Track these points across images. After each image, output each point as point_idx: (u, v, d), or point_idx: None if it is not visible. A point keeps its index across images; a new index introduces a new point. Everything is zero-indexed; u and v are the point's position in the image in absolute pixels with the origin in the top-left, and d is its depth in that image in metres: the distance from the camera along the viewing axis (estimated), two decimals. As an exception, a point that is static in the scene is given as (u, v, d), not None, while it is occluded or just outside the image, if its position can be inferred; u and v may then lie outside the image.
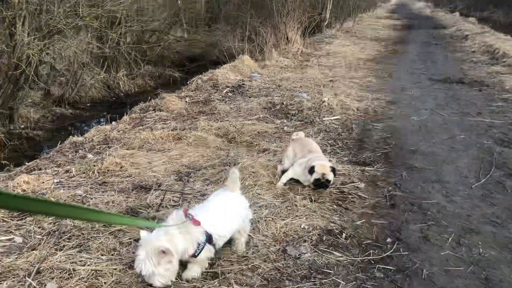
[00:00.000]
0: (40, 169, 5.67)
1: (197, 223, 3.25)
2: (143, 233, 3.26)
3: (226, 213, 3.54)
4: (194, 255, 3.24)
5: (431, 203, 4.75)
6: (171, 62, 16.21)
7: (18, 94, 9.36)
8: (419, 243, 4.03)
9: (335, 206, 4.63)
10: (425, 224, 4.34)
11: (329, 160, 5.67)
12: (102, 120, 10.47)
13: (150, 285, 3.17)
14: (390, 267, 3.69)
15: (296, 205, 4.55)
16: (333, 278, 3.51)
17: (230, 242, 3.74)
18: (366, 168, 5.66)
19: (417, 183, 5.25)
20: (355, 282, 3.48)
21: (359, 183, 5.19)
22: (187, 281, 3.36)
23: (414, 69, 12.64)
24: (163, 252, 3.05)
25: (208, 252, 3.33)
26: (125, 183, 5.11)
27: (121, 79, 13.37)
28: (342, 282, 3.46)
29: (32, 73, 8.96)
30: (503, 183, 5.22)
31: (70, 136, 7.07)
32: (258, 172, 5.27)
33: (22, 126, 9.68)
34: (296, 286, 3.40)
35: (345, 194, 4.89)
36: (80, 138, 6.99)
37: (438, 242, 4.04)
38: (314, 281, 3.46)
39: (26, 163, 6.01)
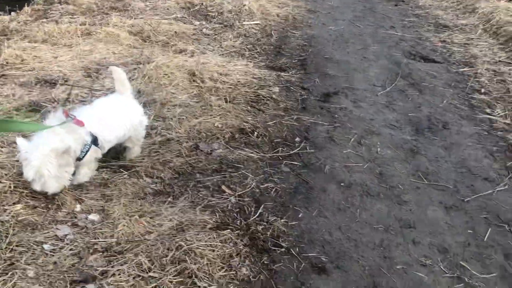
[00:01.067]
0: None
1: (81, 123, 2.97)
2: (20, 140, 2.86)
3: (113, 116, 3.26)
4: (79, 158, 2.99)
5: (339, 107, 4.99)
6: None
7: None
8: (325, 143, 4.28)
9: (249, 107, 4.70)
10: (332, 126, 4.58)
11: (246, 65, 5.66)
12: (-1, 11, 9.34)
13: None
14: (297, 163, 3.91)
15: (211, 105, 4.55)
16: (243, 171, 3.65)
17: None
18: (282, 73, 5.74)
19: (328, 89, 5.44)
20: (262, 176, 3.66)
21: (274, 87, 5.27)
22: (79, 185, 3.14)
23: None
24: (63, 152, 2.80)
25: (94, 153, 3.11)
26: (27, 77, 4.73)
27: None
28: (250, 175, 3.62)
29: None
30: (405, 92, 5.58)
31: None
32: (174, 73, 5.12)
33: None
34: (206, 178, 3.50)
35: (260, 97, 4.96)
36: (-28, 28, 6.25)
37: (341, 142, 4.32)
38: (224, 174, 3.58)
39: None
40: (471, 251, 3.13)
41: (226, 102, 4.67)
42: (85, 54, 5.53)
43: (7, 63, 5.02)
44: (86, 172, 3.17)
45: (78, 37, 6.02)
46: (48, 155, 2.76)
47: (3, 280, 2.35)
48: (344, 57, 6.59)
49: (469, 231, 3.32)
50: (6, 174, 3.12)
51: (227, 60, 5.79)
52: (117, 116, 3.29)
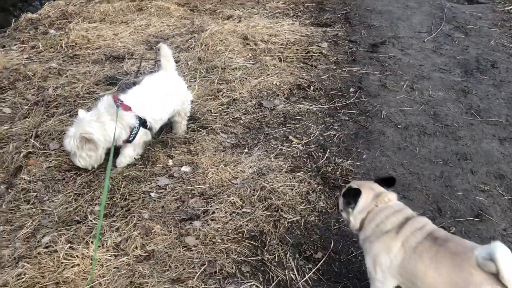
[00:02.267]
0: (4, 47, 5.58)
1: (127, 108, 3.14)
2: (81, 112, 3.21)
3: (160, 95, 3.37)
4: (128, 140, 3.22)
5: (388, 56, 5.19)
6: None
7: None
8: (378, 90, 4.54)
9: (302, 64, 4.99)
10: (383, 74, 4.82)
11: (292, 24, 5.90)
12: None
13: None
14: (354, 111, 4.21)
15: (266, 65, 4.87)
16: (305, 123, 3.99)
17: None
18: (328, 29, 5.94)
19: (375, 39, 5.62)
20: (324, 125, 3.99)
21: (322, 43, 5.51)
22: (121, 167, 3.32)
23: None
24: (87, 139, 3.04)
25: (144, 135, 3.28)
26: (97, 55, 5.19)
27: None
28: (312, 125, 3.96)
29: None
30: (451, 35, 5.69)
31: (24, 14, 6.81)
32: (227, 38, 5.44)
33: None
34: (274, 130, 3.87)
35: (310, 54, 5.22)
36: (35, 15, 6.75)
37: (394, 88, 4.57)
38: (289, 126, 3.94)
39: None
40: (527, 176, 3.39)
41: (280, 61, 4.98)
42: (142, 29, 5.93)
43: (75, 44, 5.49)
44: (130, 154, 3.30)
45: (132, 13, 6.43)
46: (75, 138, 3.06)
47: (125, 221, 2.83)
48: (386, 7, 6.69)
49: (524, 159, 3.56)
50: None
51: (274, 21, 6.05)
52: (166, 94, 3.40)
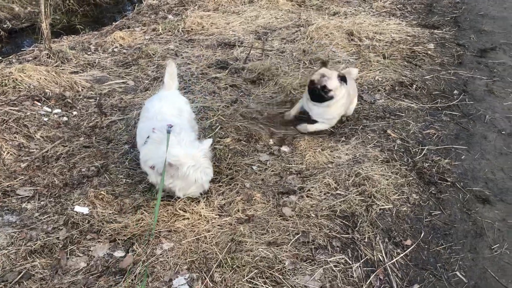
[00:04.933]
0: (128, 27, 6.23)
1: None
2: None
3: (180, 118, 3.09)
4: None
5: (497, 62, 5.02)
6: None
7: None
8: (484, 95, 4.44)
9: (406, 62, 5.01)
10: (491, 79, 4.69)
11: (398, 24, 5.91)
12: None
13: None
14: (456, 113, 4.17)
15: (369, 61, 4.95)
16: (405, 119, 4.04)
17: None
18: (435, 31, 5.86)
19: (485, 45, 5.45)
20: (423, 123, 4.01)
21: (428, 44, 5.46)
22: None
23: None
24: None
25: None
26: (210, 41, 5.61)
27: None
28: (412, 122, 3.99)
29: None
30: None
31: (145, 0, 7.53)
32: (333, 33, 5.60)
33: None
34: (372, 123, 3.97)
35: (415, 53, 5.21)
36: (155, 1, 7.42)
37: (501, 95, 4.43)
38: (388, 121, 4.01)
39: (114, 22, 6.57)
40: None
41: (384, 58, 5.04)
42: (252, 20, 6.28)
43: (191, 29, 5.97)
44: None
45: (243, 4, 6.81)
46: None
47: (229, 187, 3.13)
48: (501, 13, 6.41)
49: None
50: (212, 115, 3.96)
51: (380, 20, 6.09)
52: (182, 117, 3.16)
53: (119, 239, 2.68)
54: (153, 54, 5.18)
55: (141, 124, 3.14)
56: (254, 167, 3.36)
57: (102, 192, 3.03)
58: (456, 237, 2.85)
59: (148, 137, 2.87)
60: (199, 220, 2.84)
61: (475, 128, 3.95)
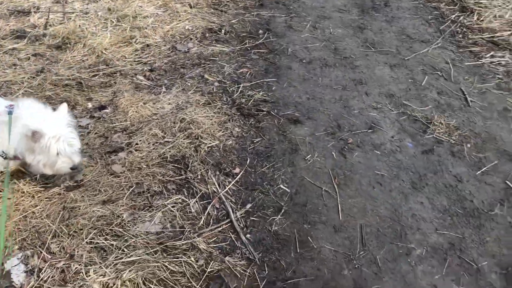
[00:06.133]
0: None
1: None
2: None
3: None
4: None
5: (293, 0, 5.52)
6: None
7: None
8: (285, 31, 4.87)
9: (212, 10, 5.17)
10: (288, 16, 5.15)
11: None
12: None
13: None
14: (263, 50, 4.51)
15: (177, 12, 4.99)
16: (219, 63, 4.23)
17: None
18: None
19: (280, -14, 5.91)
20: (236, 64, 4.26)
21: (230, -10, 5.70)
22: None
23: None
24: None
25: None
26: (0, 9, 4.99)
27: None
28: (226, 65, 4.21)
29: None
30: (349, -21, 6.12)
31: None
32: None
33: None
34: (189, 71, 4.08)
35: (220, 0, 5.40)
36: None
37: (299, 28, 4.92)
38: (204, 67, 4.16)
39: None
40: (412, 93, 3.93)
41: (190, 7, 5.12)
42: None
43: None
44: None
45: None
46: None
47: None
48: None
49: (409, 80, 4.10)
50: (18, 90, 3.60)
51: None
52: None
53: None
54: None
55: None
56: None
57: None
58: (277, 157, 3.19)
59: None
60: (22, 197, 2.64)
61: (281, 61, 4.35)
